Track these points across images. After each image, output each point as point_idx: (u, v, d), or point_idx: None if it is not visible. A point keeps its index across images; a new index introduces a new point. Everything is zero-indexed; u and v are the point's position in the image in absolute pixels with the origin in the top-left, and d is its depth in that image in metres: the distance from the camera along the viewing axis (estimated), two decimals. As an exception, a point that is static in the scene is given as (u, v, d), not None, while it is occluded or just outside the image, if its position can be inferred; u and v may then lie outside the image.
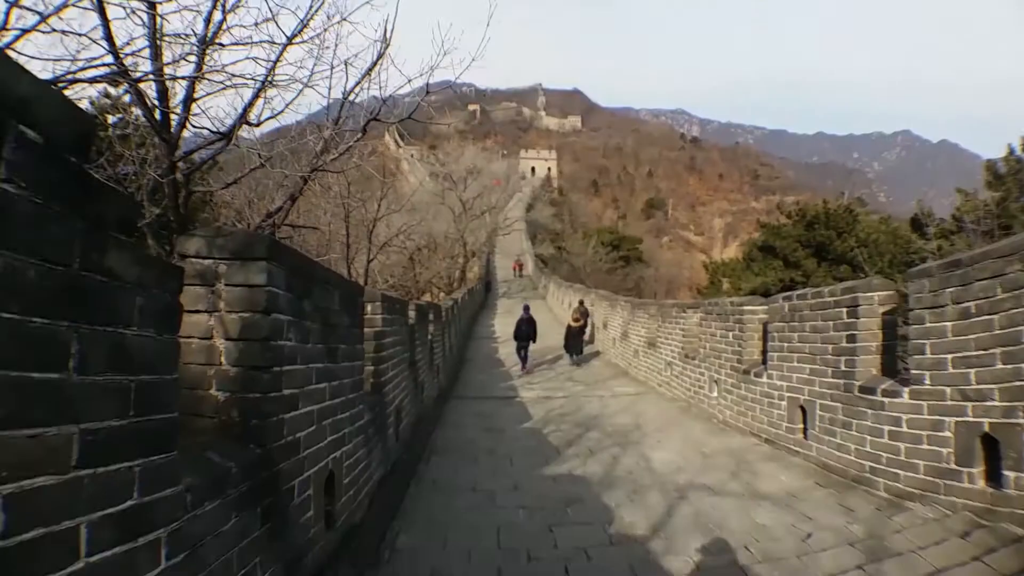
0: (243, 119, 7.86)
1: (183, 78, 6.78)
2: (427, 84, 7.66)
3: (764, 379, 7.71)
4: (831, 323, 6.27)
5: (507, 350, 19.44)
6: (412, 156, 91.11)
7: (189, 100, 7.35)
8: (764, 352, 8.19)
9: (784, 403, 7.24)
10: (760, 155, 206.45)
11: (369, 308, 5.37)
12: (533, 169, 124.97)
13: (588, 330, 18.87)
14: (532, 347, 16.61)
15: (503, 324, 25.76)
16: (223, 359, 2.83)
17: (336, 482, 3.87)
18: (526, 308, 18.22)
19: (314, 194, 14.76)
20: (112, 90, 11.94)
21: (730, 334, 8.83)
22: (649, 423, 8.92)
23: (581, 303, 20.75)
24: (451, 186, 36.66)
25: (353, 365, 4.21)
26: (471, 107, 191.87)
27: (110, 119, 13.36)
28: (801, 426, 6.98)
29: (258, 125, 8.29)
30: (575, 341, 17.25)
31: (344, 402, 4.00)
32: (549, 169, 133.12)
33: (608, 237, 58.80)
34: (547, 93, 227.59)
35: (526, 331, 16.45)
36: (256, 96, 6.70)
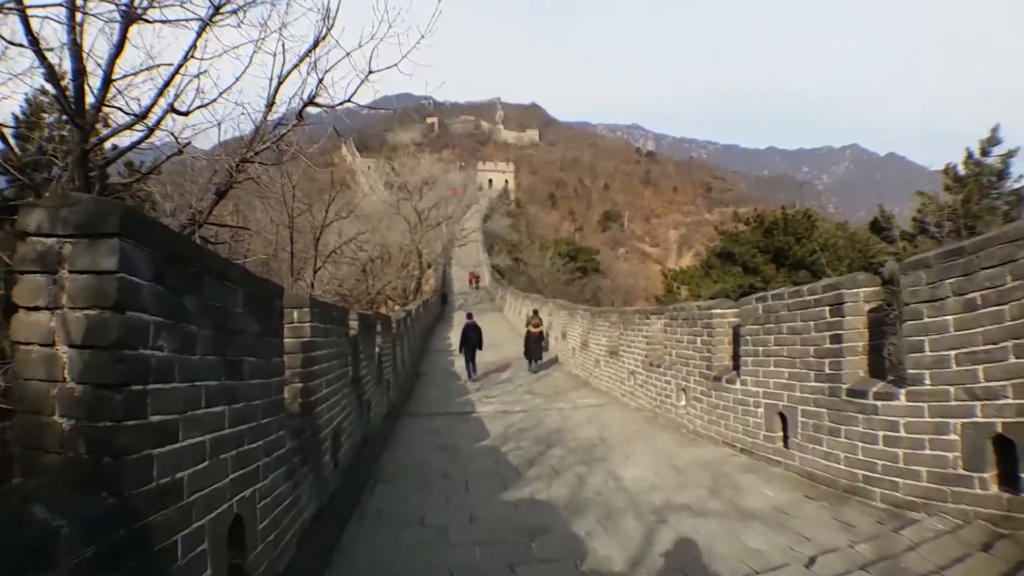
0: (170, 107, 7.04)
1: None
2: (369, 65, 6.95)
3: (737, 385, 7.21)
4: (812, 323, 5.79)
5: (461, 363, 18.70)
6: (369, 168, 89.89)
7: (107, 80, 6.50)
8: (735, 357, 7.72)
9: (761, 410, 6.75)
10: (713, 169, 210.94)
11: (296, 315, 4.61)
12: (491, 181, 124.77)
13: (546, 337, 18.79)
14: (484, 357, 16.53)
15: (459, 336, 25.00)
16: (66, 373, 2.09)
17: (247, 528, 3.12)
18: (469, 315, 18.60)
19: (248, 193, 13.75)
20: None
21: (698, 339, 8.32)
22: (615, 436, 8.32)
23: (536, 312, 20.27)
24: (406, 196, 35.75)
25: (268, 383, 3.46)
26: (429, 120, 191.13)
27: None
28: (781, 434, 6.49)
29: (187, 114, 7.47)
30: (535, 347, 17.25)
31: (255, 428, 3.25)
32: (507, 181, 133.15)
33: (565, 248, 58.64)
34: (505, 107, 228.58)
35: (472, 338, 16.54)
36: (174, 75, 5.90)
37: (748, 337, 6.98)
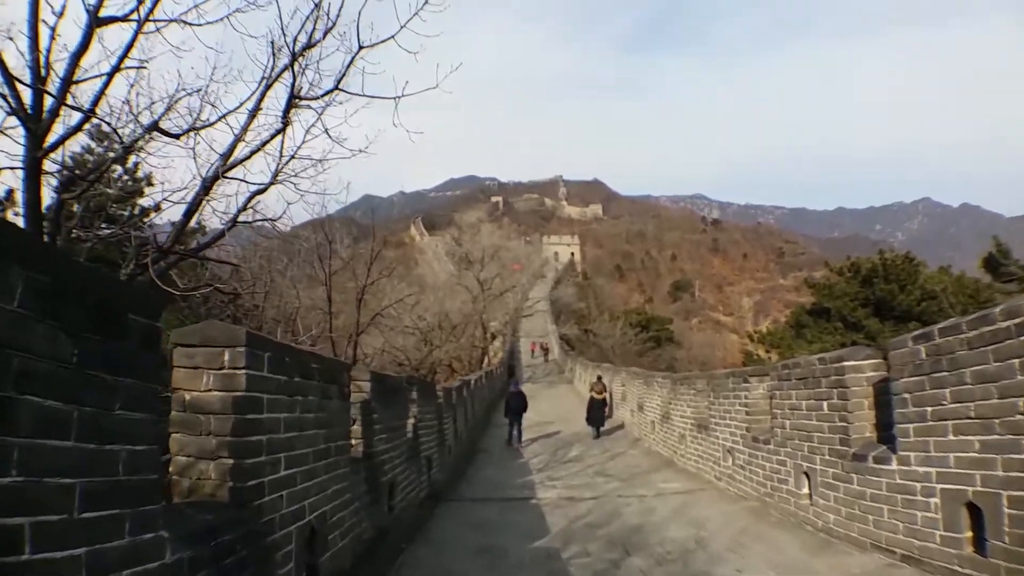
0: (154, 125, 5.91)
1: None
2: (359, 39, 5.65)
3: (893, 466, 5.11)
4: (1017, 362, 3.79)
5: (528, 438, 16.73)
6: (436, 247, 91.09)
7: (68, 81, 5.41)
8: (880, 426, 5.63)
9: (935, 500, 4.65)
10: (783, 233, 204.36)
11: (226, 357, 3.05)
12: (556, 254, 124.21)
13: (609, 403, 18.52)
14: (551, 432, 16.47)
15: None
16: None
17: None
18: (515, 383, 19.20)
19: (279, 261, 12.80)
20: None
21: (824, 404, 6.23)
22: (716, 537, 6.20)
23: (599, 379, 19.91)
24: (467, 266, 34.82)
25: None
26: (494, 199, 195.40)
27: None
28: (970, 534, 4.37)
29: (177, 137, 6.34)
30: (597, 413, 17.04)
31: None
32: (572, 254, 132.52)
33: (636, 318, 56.16)
34: (568, 184, 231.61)
35: (515, 405, 16.62)
36: (112, 73, 4.73)
37: (905, 396, 4.93)
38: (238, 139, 5.92)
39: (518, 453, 14.85)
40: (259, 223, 8.03)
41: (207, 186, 5.93)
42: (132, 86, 5.58)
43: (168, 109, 6.54)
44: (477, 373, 23.70)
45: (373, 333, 23.88)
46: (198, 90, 6.67)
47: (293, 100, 5.98)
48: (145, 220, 8.28)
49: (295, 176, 7.22)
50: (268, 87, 6.01)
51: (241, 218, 8.07)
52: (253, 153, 6.02)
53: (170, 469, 3.14)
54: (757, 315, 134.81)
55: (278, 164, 7.68)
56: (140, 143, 5.77)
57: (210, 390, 3.06)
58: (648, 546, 5.81)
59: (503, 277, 39.11)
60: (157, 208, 8.69)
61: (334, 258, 14.86)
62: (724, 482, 9.21)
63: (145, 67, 5.57)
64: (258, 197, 7.88)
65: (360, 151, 7.57)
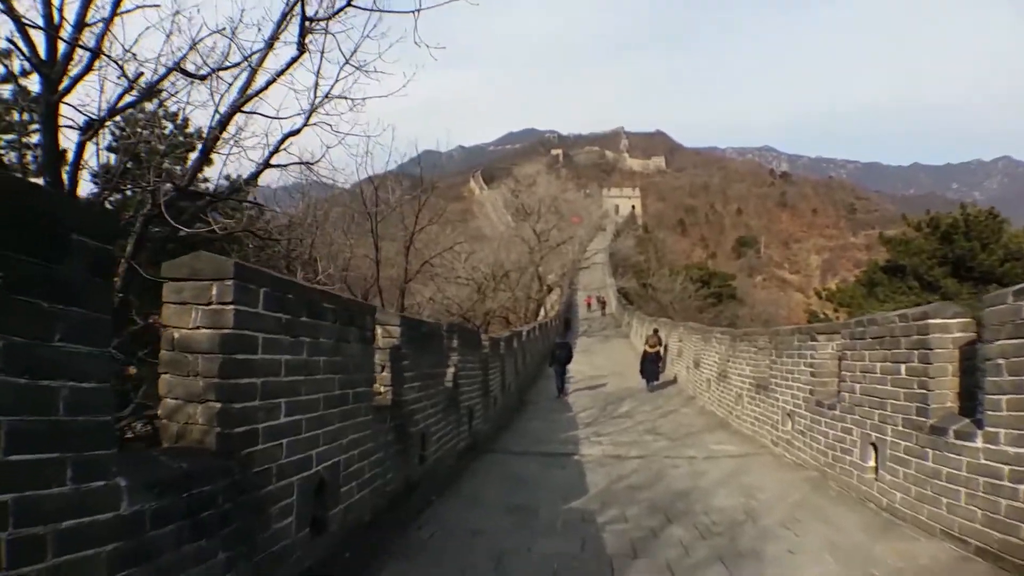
0: (176, 66, 5.62)
1: None
2: None
3: (977, 443, 4.47)
4: None
5: (578, 394, 16.44)
6: (495, 200, 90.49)
7: (81, 24, 5.15)
8: (968, 397, 4.96)
9: (1025, 488, 4.01)
10: (855, 188, 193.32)
11: (214, 291, 2.74)
12: (617, 207, 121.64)
13: (663, 357, 18.49)
14: (605, 387, 16.91)
15: (579, 364, 22.83)
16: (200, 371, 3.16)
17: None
18: (561, 334, 20.75)
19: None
20: None
21: (901, 368, 5.55)
22: (768, 509, 5.70)
23: (656, 331, 20.01)
24: (524, 217, 34.20)
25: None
26: (553, 151, 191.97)
27: None
28: (1072, 530, 3.77)
29: (203, 79, 6.04)
30: (650, 367, 17.04)
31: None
32: (633, 207, 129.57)
33: (698, 273, 54.57)
34: (630, 136, 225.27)
35: (560, 356, 17.07)
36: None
37: (999, 361, 4.25)
38: (255, 71, 5.57)
39: (566, 405, 14.57)
40: (294, 166, 7.75)
41: (224, 121, 5.64)
42: (158, 29, 5.26)
43: (191, 49, 6.26)
44: (530, 324, 23.43)
45: (427, 284, 23.93)
46: (222, 30, 6.35)
47: (306, 24, 5.56)
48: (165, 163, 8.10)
49: (330, 116, 6.90)
50: (285, 15, 5.61)
51: (276, 161, 7.84)
52: (269, 83, 5.69)
53: (159, 412, 2.91)
54: (825, 274, 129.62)
55: (312, 104, 7.34)
56: (164, 85, 5.48)
57: (198, 327, 2.77)
58: (693, 514, 5.38)
59: (560, 229, 38.34)
60: (188, 151, 8.52)
61: (384, 206, 14.67)
62: (781, 448, 8.64)
63: (158, 5, 5.25)
64: (293, 141, 7.61)
65: (394, 93, 7.18)
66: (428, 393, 6.22)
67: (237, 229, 7.57)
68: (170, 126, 13.04)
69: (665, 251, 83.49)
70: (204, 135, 6.11)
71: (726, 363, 12.00)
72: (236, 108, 5.56)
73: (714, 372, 12.87)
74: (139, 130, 7.47)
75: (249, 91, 5.62)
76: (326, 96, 7.33)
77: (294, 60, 5.72)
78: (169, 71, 5.51)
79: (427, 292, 23.57)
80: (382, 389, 5.32)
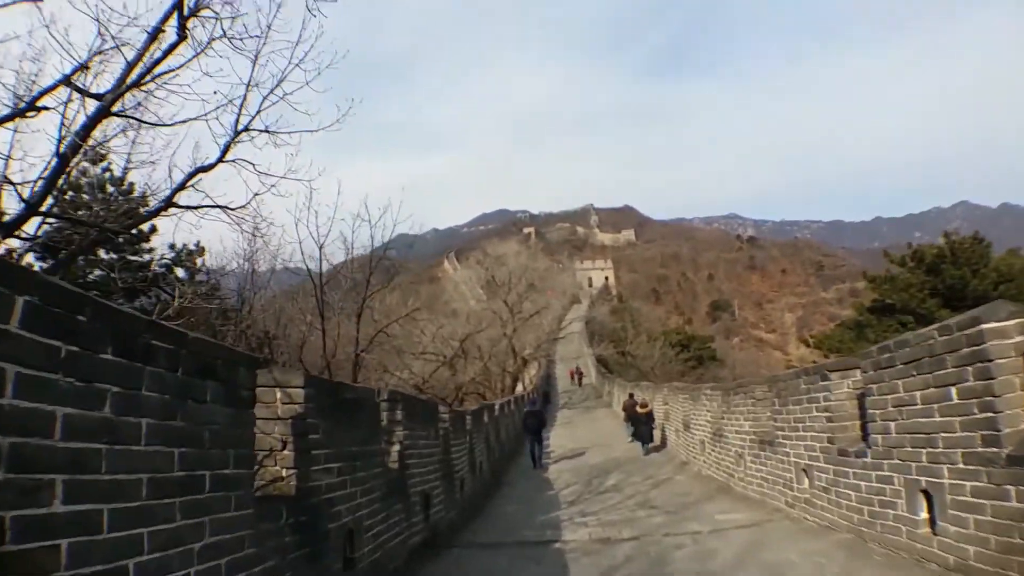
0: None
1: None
2: None
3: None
4: None
5: (559, 468, 14.89)
6: (469, 278, 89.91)
7: None
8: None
9: None
10: (820, 246, 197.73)
11: None
12: (590, 279, 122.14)
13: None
14: (588, 459, 15.79)
15: (560, 438, 21.38)
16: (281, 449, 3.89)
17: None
18: (531, 402, 19.17)
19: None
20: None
21: (951, 391, 4.37)
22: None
23: (631, 395, 19.91)
24: (495, 290, 33.13)
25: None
26: (525, 230, 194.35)
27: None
28: None
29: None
30: (644, 428, 16.41)
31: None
32: (607, 278, 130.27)
33: (676, 337, 53.75)
34: (599, 211, 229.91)
35: (532, 424, 16.30)
36: None
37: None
38: (132, 66, 4.50)
39: (547, 483, 13.00)
40: (208, 208, 6.61)
41: (88, 125, 4.51)
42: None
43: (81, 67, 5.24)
44: (504, 398, 21.93)
45: (393, 361, 22.49)
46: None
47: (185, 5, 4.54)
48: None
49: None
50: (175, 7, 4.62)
51: (187, 202, 6.71)
52: (142, 77, 4.60)
53: None
54: (800, 330, 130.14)
55: (230, 137, 6.31)
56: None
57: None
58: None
59: (533, 301, 37.37)
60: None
61: (337, 276, 13.69)
62: (799, 510, 7.27)
63: None
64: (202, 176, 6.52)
65: (328, 127, 6.20)
66: (356, 477, 4.80)
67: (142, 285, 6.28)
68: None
69: (641, 319, 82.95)
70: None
71: (720, 421, 10.70)
72: (104, 110, 4.46)
73: (707, 432, 11.52)
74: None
75: (122, 87, 4.54)
76: (245, 128, 6.31)
77: (174, 47, 4.73)
78: (56, 84, 4.42)
79: (395, 370, 22.11)
80: (284, 473, 3.95)
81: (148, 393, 2.52)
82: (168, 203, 6.03)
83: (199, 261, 17.21)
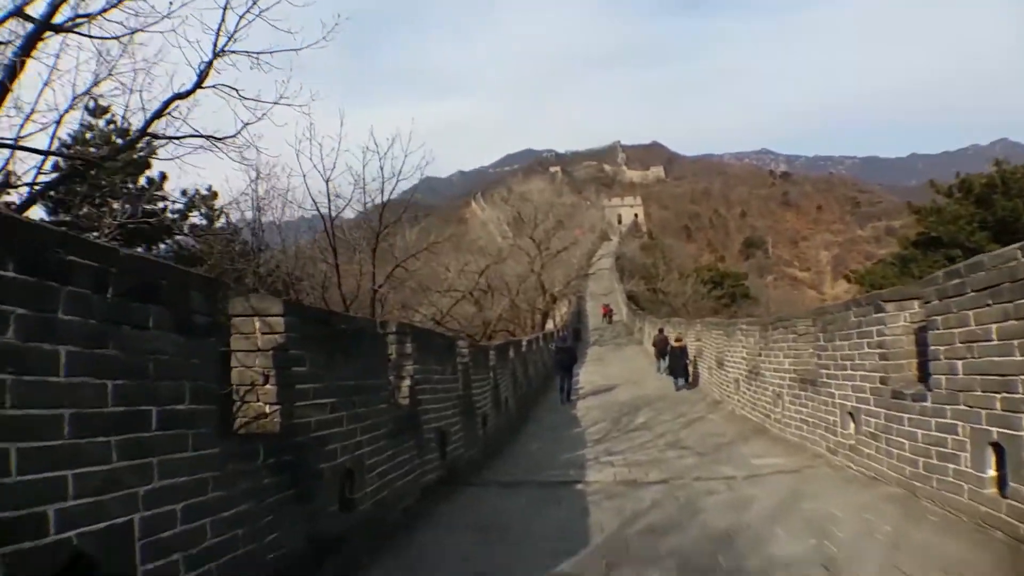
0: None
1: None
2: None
3: None
4: None
5: (588, 405, 14.56)
6: (496, 218, 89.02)
7: None
8: None
9: None
10: (856, 182, 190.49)
11: None
12: (620, 217, 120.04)
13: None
14: (619, 396, 15.50)
15: (590, 374, 21.03)
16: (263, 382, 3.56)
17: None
18: (563, 338, 18.84)
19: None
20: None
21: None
22: (855, 554, 3.83)
23: (661, 330, 20.04)
24: (522, 225, 32.35)
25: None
26: (552, 169, 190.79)
27: None
28: None
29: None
30: (678, 363, 15.92)
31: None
32: (636, 215, 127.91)
33: (708, 274, 52.62)
34: (626, 149, 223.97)
35: (563, 360, 16.25)
36: None
37: None
38: None
39: (575, 420, 12.69)
40: (191, 138, 6.09)
41: (28, 43, 3.96)
42: None
43: None
44: (532, 335, 21.58)
45: (418, 300, 22.22)
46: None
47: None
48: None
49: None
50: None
51: (173, 132, 6.18)
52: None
53: None
54: (836, 269, 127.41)
55: (207, 63, 5.72)
56: None
57: None
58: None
59: (561, 238, 36.56)
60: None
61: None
62: (842, 456, 6.73)
63: None
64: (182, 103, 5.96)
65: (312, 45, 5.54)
66: (356, 413, 4.37)
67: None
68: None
69: (673, 256, 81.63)
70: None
71: (756, 358, 10.10)
72: (44, 22, 3.90)
73: (743, 370, 10.96)
74: None
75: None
76: (222, 50, 5.71)
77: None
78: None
79: (420, 308, 21.85)
80: (267, 410, 3.50)
81: (67, 317, 2.05)
82: (143, 132, 5.53)
83: (215, 205, 16.77)
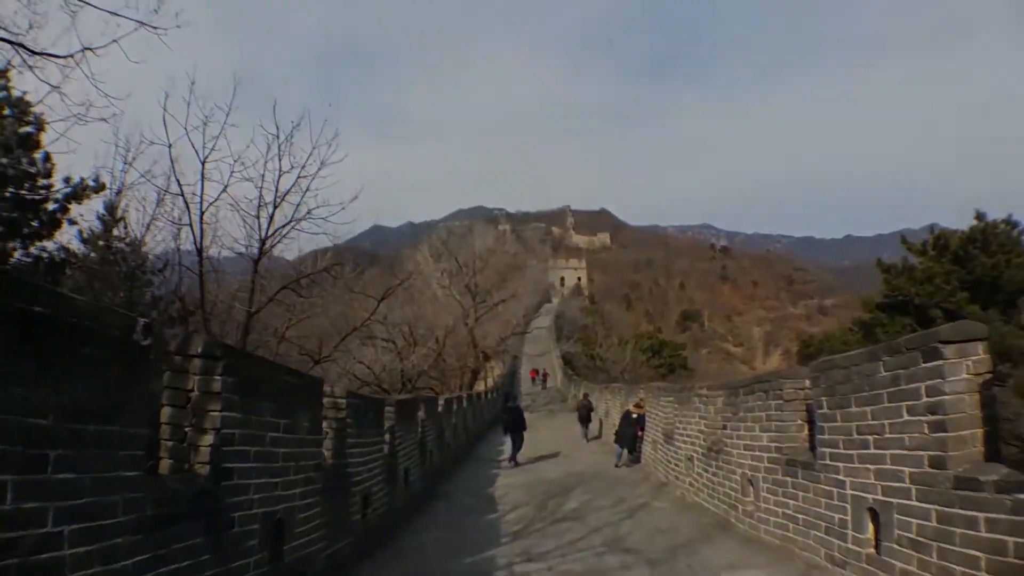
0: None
1: None
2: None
3: None
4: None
5: (510, 482, 12.21)
6: (442, 273, 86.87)
7: None
8: None
9: None
10: (793, 260, 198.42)
11: None
12: (563, 279, 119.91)
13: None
14: (547, 473, 13.15)
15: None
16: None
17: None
18: (509, 397, 20.72)
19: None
20: None
21: None
22: None
23: (585, 396, 20.23)
24: (456, 270, 30.18)
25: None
26: (501, 227, 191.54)
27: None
28: None
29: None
30: (629, 431, 13.33)
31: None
32: (579, 279, 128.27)
33: (648, 342, 51.44)
34: (575, 214, 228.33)
35: (508, 423, 15.96)
36: None
37: None
38: None
39: (491, 500, 10.30)
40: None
41: None
42: None
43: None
44: (450, 394, 19.20)
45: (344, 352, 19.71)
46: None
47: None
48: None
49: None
50: None
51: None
52: None
53: None
54: (768, 345, 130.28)
55: None
56: None
57: None
58: None
59: (501, 293, 34.56)
60: None
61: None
62: (854, 572, 4.70)
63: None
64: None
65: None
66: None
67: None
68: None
69: (612, 323, 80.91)
70: None
71: (719, 432, 8.08)
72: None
73: (699, 446, 8.90)
74: None
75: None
76: None
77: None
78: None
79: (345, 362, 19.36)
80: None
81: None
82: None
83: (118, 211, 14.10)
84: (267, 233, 10.64)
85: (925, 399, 3.99)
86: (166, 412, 3.64)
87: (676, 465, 10.23)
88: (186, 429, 3.61)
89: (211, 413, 3.68)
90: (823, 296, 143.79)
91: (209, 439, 3.63)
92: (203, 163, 9.68)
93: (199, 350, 3.66)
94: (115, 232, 13.51)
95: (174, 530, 3.15)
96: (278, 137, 10.82)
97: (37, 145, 12.44)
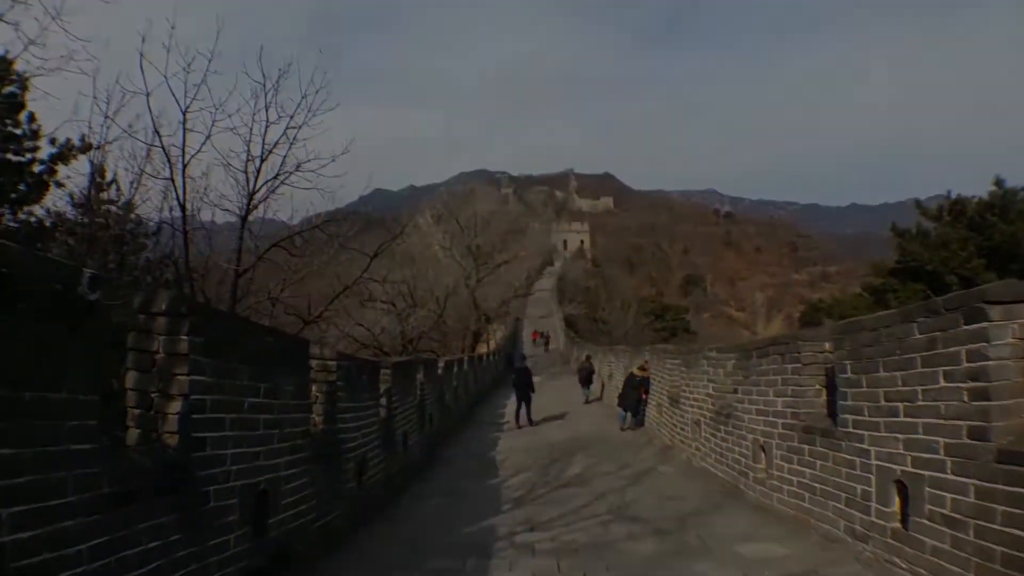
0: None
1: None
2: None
3: None
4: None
5: (511, 446, 12.00)
6: (443, 235, 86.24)
7: None
8: None
9: None
10: (796, 227, 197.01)
11: None
12: (565, 243, 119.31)
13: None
14: (549, 436, 12.98)
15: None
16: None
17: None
18: (521, 357, 19.77)
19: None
20: None
21: None
22: None
23: (588, 358, 20.21)
24: (458, 232, 29.66)
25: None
26: (504, 191, 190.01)
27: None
28: None
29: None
30: (633, 395, 12.83)
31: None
32: (582, 242, 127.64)
33: (650, 306, 51.30)
34: (579, 177, 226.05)
35: (517, 381, 16.04)
36: None
37: None
38: None
39: (493, 464, 10.09)
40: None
41: None
42: None
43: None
44: (450, 356, 18.97)
45: (340, 313, 19.41)
46: None
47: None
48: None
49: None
50: None
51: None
52: None
53: None
54: (770, 311, 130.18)
55: None
56: None
57: None
58: None
59: (500, 249, 34.00)
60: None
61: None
62: (876, 546, 4.42)
63: None
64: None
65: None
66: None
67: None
68: None
69: (615, 286, 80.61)
70: None
71: (729, 395, 7.76)
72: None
73: (707, 411, 8.60)
74: None
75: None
76: None
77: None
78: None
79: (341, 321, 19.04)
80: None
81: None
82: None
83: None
84: (255, 187, 10.11)
85: (965, 364, 3.61)
86: (132, 377, 3.30)
87: (682, 429, 9.96)
88: (152, 395, 3.28)
89: (178, 377, 3.32)
90: (826, 263, 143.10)
91: (177, 406, 3.28)
92: (184, 112, 9.16)
93: (163, 307, 3.29)
94: (104, 195, 13.08)
95: (138, 509, 2.82)
96: (264, 86, 10.22)
97: (22, 106, 11.94)
